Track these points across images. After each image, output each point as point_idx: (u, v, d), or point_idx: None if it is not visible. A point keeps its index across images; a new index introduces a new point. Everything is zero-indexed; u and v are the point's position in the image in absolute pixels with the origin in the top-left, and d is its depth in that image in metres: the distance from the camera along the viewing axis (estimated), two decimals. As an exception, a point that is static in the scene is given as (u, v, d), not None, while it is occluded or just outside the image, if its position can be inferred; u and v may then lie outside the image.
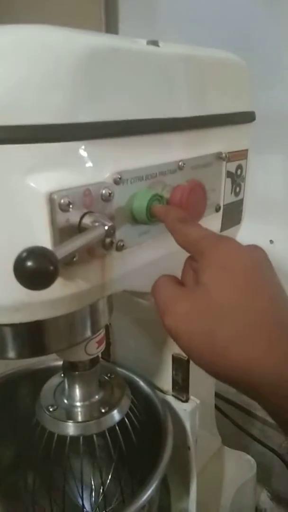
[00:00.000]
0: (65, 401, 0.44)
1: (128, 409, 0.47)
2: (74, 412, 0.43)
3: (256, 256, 0.27)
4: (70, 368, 0.43)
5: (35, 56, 0.26)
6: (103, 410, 0.43)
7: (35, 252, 0.21)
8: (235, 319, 0.24)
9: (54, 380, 0.47)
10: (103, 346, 0.42)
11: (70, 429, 0.42)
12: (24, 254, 0.21)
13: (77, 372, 0.43)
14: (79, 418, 0.43)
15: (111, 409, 0.43)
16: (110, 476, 0.54)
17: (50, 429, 0.43)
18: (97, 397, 0.44)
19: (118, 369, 0.54)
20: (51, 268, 0.21)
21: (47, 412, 0.43)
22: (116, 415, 0.44)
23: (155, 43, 0.33)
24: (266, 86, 0.63)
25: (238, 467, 0.62)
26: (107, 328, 0.56)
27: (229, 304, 0.24)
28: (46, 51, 0.26)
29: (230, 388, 0.78)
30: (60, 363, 0.44)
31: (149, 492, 0.38)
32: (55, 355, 0.40)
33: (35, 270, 0.21)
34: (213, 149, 0.40)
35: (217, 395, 0.63)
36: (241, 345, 0.23)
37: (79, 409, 0.44)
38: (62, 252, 0.23)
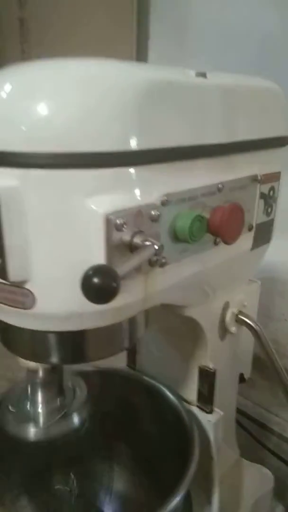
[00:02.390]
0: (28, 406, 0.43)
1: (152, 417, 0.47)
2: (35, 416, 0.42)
3: None
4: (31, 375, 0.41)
5: (101, 90, 0.28)
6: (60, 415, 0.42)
7: (100, 270, 0.23)
8: None
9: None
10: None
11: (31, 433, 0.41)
12: (91, 272, 0.23)
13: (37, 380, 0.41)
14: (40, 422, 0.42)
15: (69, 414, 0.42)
16: (133, 483, 0.56)
17: (12, 431, 0.41)
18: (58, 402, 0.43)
19: (145, 377, 0.56)
20: (114, 284, 0.24)
21: (9, 415, 0.42)
22: (75, 419, 0.43)
23: (203, 75, 0.35)
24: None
25: (256, 479, 0.63)
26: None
27: None
28: (110, 86, 0.29)
29: (247, 402, 0.79)
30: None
31: (176, 499, 0.40)
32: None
33: (100, 286, 0.23)
34: (249, 172, 0.42)
35: (237, 410, 0.64)
36: None
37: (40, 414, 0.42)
38: (122, 270, 0.26)
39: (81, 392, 0.45)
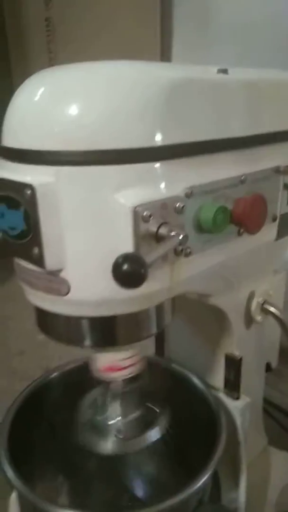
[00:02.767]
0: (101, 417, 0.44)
1: (180, 403, 0.49)
2: (110, 429, 0.43)
3: None
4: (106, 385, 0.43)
5: (126, 90, 0.31)
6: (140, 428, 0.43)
7: (129, 258, 0.26)
8: None
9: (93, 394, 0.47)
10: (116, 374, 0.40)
11: (106, 446, 0.42)
12: (121, 260, 0.26)
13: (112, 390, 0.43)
14: (117, 436, 0.42)
15: (148, 428, 0.43)
16: (163, 468, 0.58)
17: (87, 446, 0.43)
18: (135, 415, 0.44)
19: (173, 365, 0.58)
20: (142, 271, 0.26)
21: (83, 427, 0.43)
22: (153, 434, 0.44)
23: (224, 71, 0.37)
24: None
25: (284, 466, 0.64)
26: (162, 326, 0.61)
27: None
28: (135, 85, 0.31)
29: (275, 392, 0.79)
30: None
31: (204, 479, 0.42)
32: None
33: (129, 272, 0.25)
34: (272, 163, 0.43)
35: (265, 400, 0.65)
36: None
37: (115, 427, 0.43)
38: (150, 257, 0.28)
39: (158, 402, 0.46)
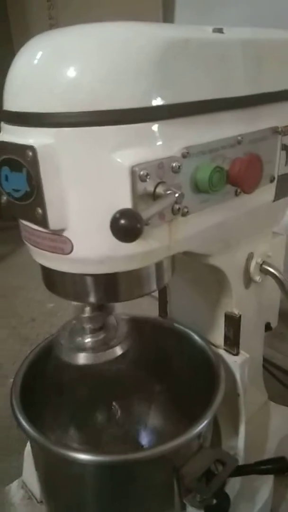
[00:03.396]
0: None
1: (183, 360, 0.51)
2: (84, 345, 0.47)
3: None
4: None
5: (121, 50, 0.31)
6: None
7: (126, 213, 0.27)
8: None
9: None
10: None
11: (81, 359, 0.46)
12: (118, 215, 0.27)
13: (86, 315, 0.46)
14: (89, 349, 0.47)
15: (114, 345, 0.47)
16: (167, 419, 0.62)
17: (64, 359, 0.46)
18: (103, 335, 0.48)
19: (175, 324, 0.60)
20: (138, 225, 0.27)
21: (61, 345, 0.47)
22: (118, 349, 0.47)
23: (220, 30, 0.37)
24: None
25: (283, 419, 0.67)
26: (164, 288, 0.63)
27: None
28: (129, 46, 0.31)
29: (276, 354, 0.82)
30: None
31: (204, 423, 0.45)
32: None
33: (126, 227, 0.27)
34: (269, 123, 0.44)
35: (265, 360, 0.68)
36: None
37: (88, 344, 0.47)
38: (145, 213, 0.29)
39: (123, 327, 0.50)
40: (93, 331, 0.47)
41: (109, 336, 0.48)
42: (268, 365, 0.83)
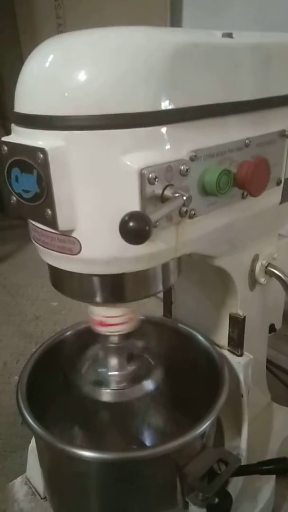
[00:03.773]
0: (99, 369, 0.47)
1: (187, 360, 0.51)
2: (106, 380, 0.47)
3: None
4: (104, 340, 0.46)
5: (132, 55, 0.32)
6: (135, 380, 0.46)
7: (135, 216, 0.28)
8: None
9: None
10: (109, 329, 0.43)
11: (104, 395, 0.46)
12: (127, 217, 0.28)
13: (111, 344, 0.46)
14: (111, 386, 0.46)
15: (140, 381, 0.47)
16: (171, 420, 0.62)
17: (86, 393, 0.47)
18: (128, 368, 0.47)
19: (180, 325, 0.61)
20: (147, 228, 0.28)
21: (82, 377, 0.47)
22: (145, 385, 0.47)
23: (229, 35, 0.37)
24: None
25: (286, 420, 0.67)
26: (170, 288, 0.63)
27: None
28: (140, 50, 0.32)
29: (280, 355, 0.83)
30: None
31: (207, 423, 0.45)
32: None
33: (135, 229, 0.28)
34: (277, 127, 0.44)
35: (268, 361, 0.68)
36: None
37: (111, 378, 0.47)
38: (154, 216, 0.30)
39: (149, 356, 0.50)
40: (120, 363, 0.46)
41: (137, 368, 0.47)
42: (272, 367, 0.84)
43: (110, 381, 0.47)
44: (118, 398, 0.47)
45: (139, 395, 0.47)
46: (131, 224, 0.28)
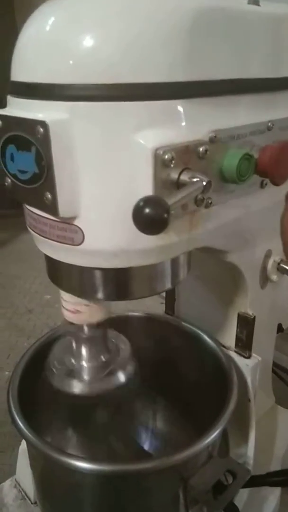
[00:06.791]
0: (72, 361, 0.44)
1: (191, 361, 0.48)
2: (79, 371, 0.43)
3: None
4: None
5: (146, 16, 0.27)
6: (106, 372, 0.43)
7: (151, 201, 0.24)
8: None
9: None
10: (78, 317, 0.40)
11: (75, 387, 0.42)
12: (142, 203, 0.24)
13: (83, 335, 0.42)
14: (84, 378, 0.43)
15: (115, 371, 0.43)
16: (173, 424, 0.59)
17: (56, 386, 0.43)
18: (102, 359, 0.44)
19: (183, 323, 0.57)
20: (165, 215, 0.24)
21: (54, 370, 0.43)
22: (120, 376, 0.43)
23: (256, 2, 0.33)
24: None
25: (291, 425, 0.64)
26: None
27: None
28: (156, 11, 0.27)
29: (284, 356, 0.79)
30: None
31: (215, 433, 0.42)
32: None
33: (152, 216, 0.23)
34: (300, 110, 0.40)
35: (273, 363, 0.65)
36: None
37: (84, 369, 0.43)
38: (172, 201, 0.26)
39: (125, 348, 0.46)
40: (92, 354, 0.42)
41: (110, 360, 0.43)
42: (275, 368, 0.80)
43: (80, 373, 0.43)
44: (82, 391, 0.43)
45: (109, 387, 0.42)
46: (147, 210, 0.23)
